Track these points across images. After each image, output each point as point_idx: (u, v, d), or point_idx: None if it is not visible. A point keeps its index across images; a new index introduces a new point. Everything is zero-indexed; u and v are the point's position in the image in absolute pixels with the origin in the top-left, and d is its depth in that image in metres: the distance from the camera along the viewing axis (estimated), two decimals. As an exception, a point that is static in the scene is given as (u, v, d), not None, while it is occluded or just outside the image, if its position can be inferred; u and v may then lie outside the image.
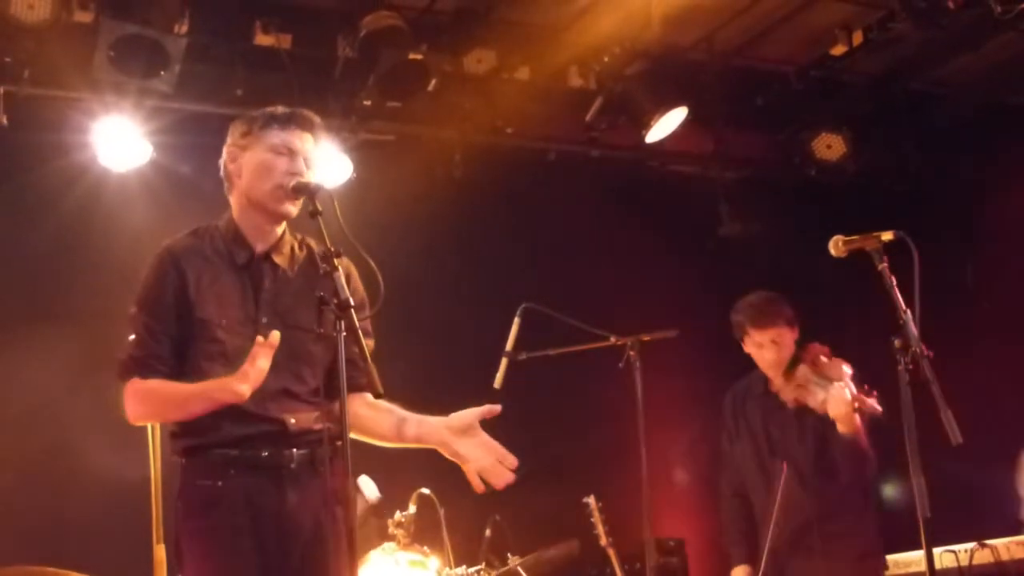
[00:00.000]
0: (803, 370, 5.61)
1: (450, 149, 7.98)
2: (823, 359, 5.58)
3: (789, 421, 5.80)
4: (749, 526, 5.95)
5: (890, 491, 7.19)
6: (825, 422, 5.54)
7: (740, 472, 6.02)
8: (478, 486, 3.91)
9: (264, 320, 3.94)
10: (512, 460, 3.90)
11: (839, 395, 5.35)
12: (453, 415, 3.96)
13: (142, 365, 3.89)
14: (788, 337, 5.81)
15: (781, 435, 5.80)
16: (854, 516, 5.75)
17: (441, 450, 3.97)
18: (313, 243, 4.10)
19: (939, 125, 8.69)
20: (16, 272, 7.02)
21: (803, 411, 5.66)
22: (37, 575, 5.24)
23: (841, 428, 5.45)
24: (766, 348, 5.82)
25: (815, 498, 5.72)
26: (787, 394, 5.71)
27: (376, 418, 4.08)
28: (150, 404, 3.94)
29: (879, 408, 5.33)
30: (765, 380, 5.94)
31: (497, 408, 3.94)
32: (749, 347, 5.92)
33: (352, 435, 3.80)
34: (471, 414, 3.94)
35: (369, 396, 3.98)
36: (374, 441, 4.12)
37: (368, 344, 3.73)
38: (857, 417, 5.39)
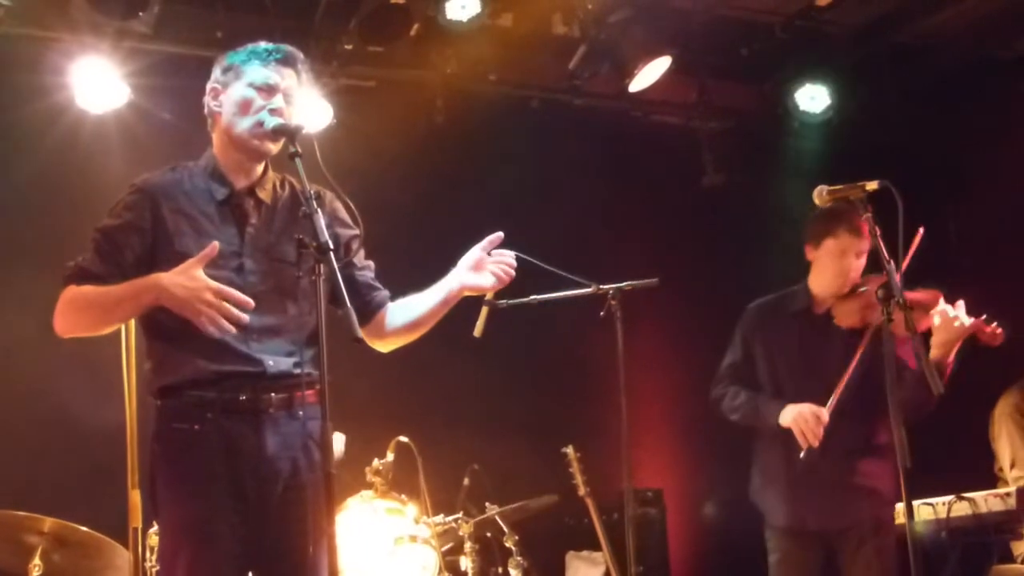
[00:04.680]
0: (876, 288, 4.83)
1: (432, 95, 7.93)
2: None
3: (835, 343, 5.44)
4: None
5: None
6: (877, 350, 4.95)
7: (755, 389, 5.63)
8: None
9: (248, 253, 3.91)
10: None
11: (947, 319, 4.99)
12: (463, 258, 4.14)
13: (82, 276, 3.83)
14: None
15: (822, 357, 5.45)
16: (882, 456, 5.37)
17: (466, 292, 4.14)
18: (295, 181, 4.06)
19: (923, 78, 8.66)
20: (-8, 213, 6.96)
21: (854, 334, 5.35)
22: (8, 519, 5.20)
23: (935, 353, 5.01)
24: (850, 257, 5.41)
25: (851, 427, 5.36)
26: (847, 314, 5.39)
27: (408, 311, 4.18)
28: (77, 310, 3.85)
29: (1000, 336, 5.05)
30: (808, 298, 5.59)
31: (499, 236, 4.15)
32: (827, 252, 5.48)
33: (403, 341, 4.18)
34: (475, 249, 4.14)
35: (390, 303, 4.21)
36: (420, 332, 4.22)
37: (369, 264, 4.22)
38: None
